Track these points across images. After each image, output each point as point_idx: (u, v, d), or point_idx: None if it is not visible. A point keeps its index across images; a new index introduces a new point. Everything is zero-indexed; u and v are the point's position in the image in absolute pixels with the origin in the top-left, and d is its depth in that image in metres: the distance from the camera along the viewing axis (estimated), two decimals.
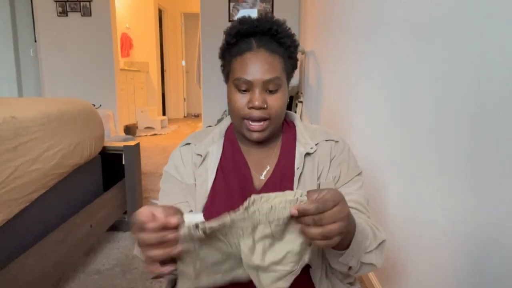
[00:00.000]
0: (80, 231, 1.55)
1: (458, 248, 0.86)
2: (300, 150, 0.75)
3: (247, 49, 0.68)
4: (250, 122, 0.70)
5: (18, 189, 1.16)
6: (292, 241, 0.50)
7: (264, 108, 0.68)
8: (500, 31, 0.72)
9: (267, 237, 0.50)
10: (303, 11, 3.61)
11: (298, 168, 0.73)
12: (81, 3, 4.01)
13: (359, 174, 0.76)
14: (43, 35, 4.10)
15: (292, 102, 3.93)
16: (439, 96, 0.95)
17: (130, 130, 4.77)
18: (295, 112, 3.46)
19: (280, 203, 0.48)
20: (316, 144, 0.75)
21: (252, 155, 0.78)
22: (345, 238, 0.54)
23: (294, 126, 0.81)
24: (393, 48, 1.27)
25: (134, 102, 5.35)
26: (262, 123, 0.70)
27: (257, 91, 0.68)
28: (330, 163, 0.74)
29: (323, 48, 2.55)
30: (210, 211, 0.73)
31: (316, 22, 2.88)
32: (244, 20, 0.70)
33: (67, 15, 4.05)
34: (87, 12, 4.04)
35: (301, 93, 3.41)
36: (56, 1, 4.02)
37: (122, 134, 4.46)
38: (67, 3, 4.02)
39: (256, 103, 0.67)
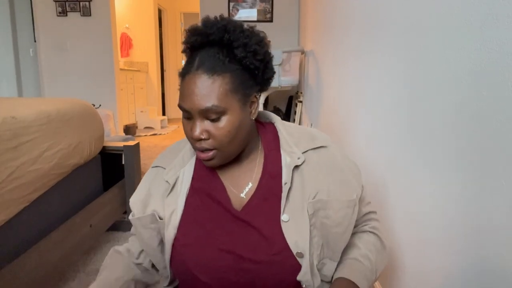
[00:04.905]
0: (80, 231, 1.55)
1: (458, 248, 0.86)
2: (286, 160, 0.66)
3: (187, 71, 0.62)
4: (198, 151, 0.64)
5: (18, 189, 1.16)
6: None
7: (205, 139, 0.62)
8: (500, 30, 0.72)
9: None
10: (303, 11, 3.61)
11: (286, 184, 0.64)
12: (81, 3, 4.01)
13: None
14: (42, 35, 4.10)
15: (292, 102, 3.93)
16: (439, 96, 0.95)
17: (130, 130, 4.77)
18: (295, 112, 3.46)
19: None
20: (303, 153, 0.67)
21: (228, 172, 0.70)
22: None
23: (273, 128, 0.73)
24: (393, 47, 1.27)
25: (134, 102, 5.35)
26: (209, 153, 0.63)
27: (195, 121, 0.61)
28: (321, 174, 0.67)
29: (323, 48, 2.55)
30: (182, 237, 0.68)
31: (316, 22, 2.88)
32: (199, 29, 0.64)
33: (66, 15, 4.05)
34: (86, 12, 4.03)
35: (301, 93, 3.41)
36: (55, 1, 4.02)
37: (122, 134, 4.46)
38: (67, 3, 4.01)
39: (194, 134, 0.61)
